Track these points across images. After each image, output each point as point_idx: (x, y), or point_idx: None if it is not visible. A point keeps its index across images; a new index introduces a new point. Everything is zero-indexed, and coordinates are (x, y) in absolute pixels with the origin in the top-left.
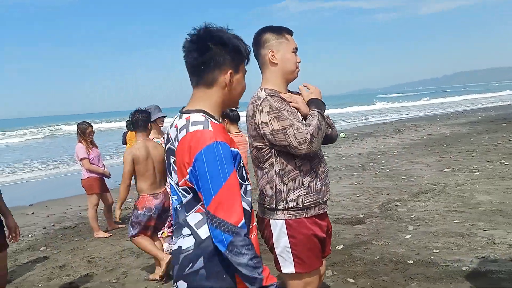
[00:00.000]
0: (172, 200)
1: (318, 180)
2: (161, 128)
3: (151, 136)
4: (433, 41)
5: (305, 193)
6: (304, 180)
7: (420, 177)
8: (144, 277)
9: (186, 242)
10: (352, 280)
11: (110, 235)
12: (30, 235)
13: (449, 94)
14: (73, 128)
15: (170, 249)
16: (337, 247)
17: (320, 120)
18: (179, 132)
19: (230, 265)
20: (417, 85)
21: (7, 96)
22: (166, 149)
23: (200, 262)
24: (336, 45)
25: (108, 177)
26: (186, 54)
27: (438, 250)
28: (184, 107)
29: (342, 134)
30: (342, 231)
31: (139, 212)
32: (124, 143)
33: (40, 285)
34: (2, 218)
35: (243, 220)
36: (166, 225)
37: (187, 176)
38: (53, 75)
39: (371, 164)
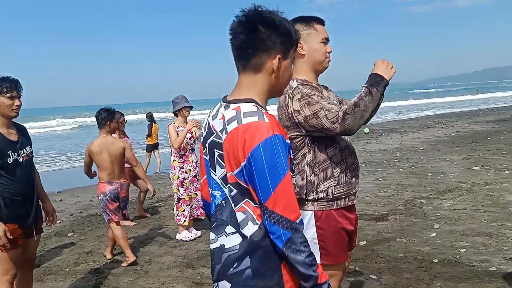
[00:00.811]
0: (215, 196)
1: (348, 171)
2: (187, 117)
3: (177, 124)
4: (465, 35)
5: (335, 184)
6: (334, 171)
7: (447, 175)
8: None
9: (230, 241)
10: (375, 277)
11: (135, 224)
12: (58, 221)
13: (479, 91)
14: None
15: (189, 237)
16: (360, 243)
17: (362, 96)
18: (228, 124)
19: (278, 264)
20: (445, 81)
21: (34, 86)
22: (208, 142)
23: (247, 262)
24: (366, 37)
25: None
26: (233, 37)
27: (464, 250)
28: (226, 95)
29: (366, 130)
30: (365, 227)
31: (99, 198)
32: (150, 134)
33: (67, 269)
34: (40, 203)
35: (301, 216)
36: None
37: (236, 171)
38: (76, 66)
39: (395, 160)
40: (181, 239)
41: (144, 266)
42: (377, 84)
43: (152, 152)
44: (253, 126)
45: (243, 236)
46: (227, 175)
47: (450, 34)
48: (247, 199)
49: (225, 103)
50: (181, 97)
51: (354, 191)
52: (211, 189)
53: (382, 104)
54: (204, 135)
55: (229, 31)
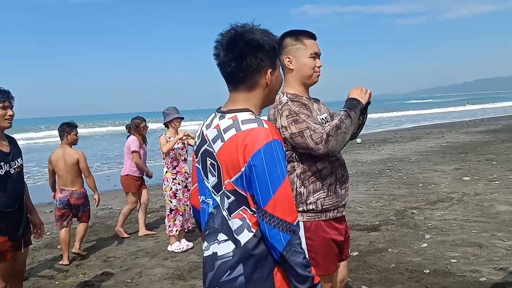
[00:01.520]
0: (208, 203)
1: (338, 183)
2: (178, 128)
3: (168, 135)
4: (454, 47)
5: (324, 195)
6: (324, 183)
7: (438, 185)
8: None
9: (223, 249)
10: None
11: (128, 237)
12: (48, 233)
13: (471, 102)
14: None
15: (181, 249)
16: (352, 254)
17: (343, 119)
18: (224, 133)
19: (270, 271)
20: (435, 92)
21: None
22: (201, 150)
23: (240, 269)
24: (358, 49)
25: (150, 177)
26: (222, 65)
27: (455, 260)
28: (220, 107)
29: (358, 140)
30: (357, 238)
31: (54, 202)
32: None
33: (56, 282)
34: (29, 215)
35: (298, 219)
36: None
37: (234, 178)
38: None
39: (387, 170)
40: (172, 251)
41: (135, 279)
42: (354, 107)
43: None
44: (253, 132)
45: (236, 243)
46: (224, 182)
47: (440, 46)
48: (244, 206)
49: (220, 114)
50: (171, 108)
51: (343, 202)
52: (204, 197)
53: (374, 115)
54: (197, 143)
55: (215, 58)
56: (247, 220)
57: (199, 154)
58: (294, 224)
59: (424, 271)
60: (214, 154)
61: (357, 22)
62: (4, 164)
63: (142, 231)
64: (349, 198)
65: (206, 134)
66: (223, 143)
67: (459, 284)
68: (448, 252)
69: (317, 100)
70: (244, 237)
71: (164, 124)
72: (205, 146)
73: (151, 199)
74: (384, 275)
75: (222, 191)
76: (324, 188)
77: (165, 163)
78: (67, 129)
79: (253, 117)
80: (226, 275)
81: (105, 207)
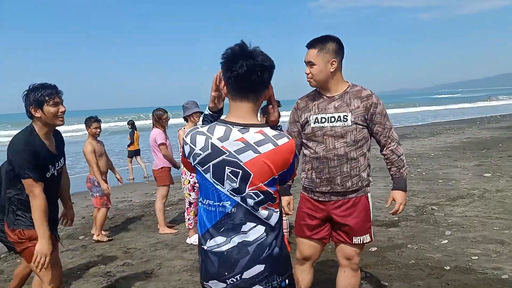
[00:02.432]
0: (224, 206)
1: (314, 172)
2: (197, 122)
3: (187, 129)
4: (474, 41)
5: (305, 177)
6: (305, 167)
7: (458, 181)
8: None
9: (253, 234)
10: (386, 284)
11: (177, 231)
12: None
13: (492, 97)
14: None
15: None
16: (370, 249)
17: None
18: (259, 146)
19: (283, 237)
20: (455, 87)
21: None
22: (214, 161)
23: (274, 243)
24: (374, 43)
25: (178, 168)
26: (247, 71)
27: (476, 257)
28: (224, 119)
29: None
30: (376, 233)
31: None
32: (133, 142)
33: (78, 272)
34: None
35: None
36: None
37: (267, 181)
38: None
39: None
40: (191, 243)
41: (154, 270)
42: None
43: (134, 158)
44: (288, 144)
45: (268, 225)
46: (251, 186)
47: (460, 40)
48: (270, 201)
49: (238, 127)
50: (191, 102)
51: (318, 189)
52: (212, 201)
53: (393, 110)
54: (204, 155)
55: (244, 62)
56: (271, 207)
57: (211, 164)
58: None
59: (445, 267)
60: (241, 163)
61: (374, 16)
62: (51, 167)
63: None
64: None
65: (222, 146)
66: (257, 154)
67: (481, 281)
68: (469, 249)
69: (337, 97)
70: (273, 219)
71: (183, 117)
72: (223, 156)
73: (170, 192)
74: (403, 271)
75: (245, 193)
76: (305, 171)
77: None
78: (87, 122)
79: (277, 132)
80: (266, 252)
81: (125, 200)
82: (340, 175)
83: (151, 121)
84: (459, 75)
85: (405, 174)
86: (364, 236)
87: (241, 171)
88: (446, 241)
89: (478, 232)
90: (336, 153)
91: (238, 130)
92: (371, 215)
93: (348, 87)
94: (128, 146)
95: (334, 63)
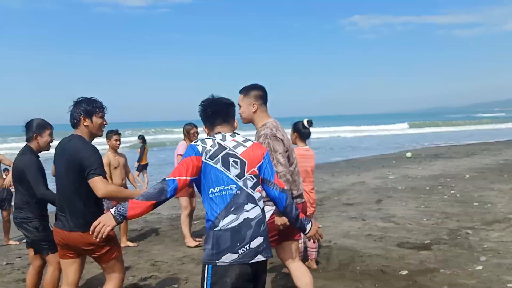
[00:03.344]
0: (231, 189)
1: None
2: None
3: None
4: None
5: None
6: None
7: (495, 205)
8: None
9: (253, 212)
10: None
11: (200, 243)
12: None
13: None
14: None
15: None
16: (401, 273)
17: None
18: (244, 143)
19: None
20: (492, 106)
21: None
22: (220, 154)
23: (265, 222)
24: (409, 60)
25: None
26: (228, 108)
27: None
28: (219, 132)
29: (408, 154)
30: (407, 256)
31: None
32: (142, 157)
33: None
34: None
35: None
36: None
37: (256, 167)
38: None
39: (439, 187)
40: None
41: (181, 284)
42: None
43: (141, 173)
44: (256, 143)
45: (260, 206)
46: (249, 170)
47: (497, 58)
48: (260, 185)
49: (229, 134)
50: None
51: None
52: (222, 186)
53: (425, 130)
54: (212, 151)
55: (221, 103)
56: (261, 194)
57: (219, 157)
58: (286, 188)
59: None
60: (238, 154)
61: (408, 32)
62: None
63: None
64: (398, 214)
65: (224, 144)
66: (245, 148)
67: None
68: (505, 276)
69: (259, 130)
70: (261, 203)
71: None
72: (226, 151)
73: (197, 206)
74: None
75: (244, 177)
76: None
77: None
78: (108, 135)
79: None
80: (262, 227)
81: (154, 212)
82: None
83: (159, 136)
84: (497, 94)
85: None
86: None
87: (239, 160)
88: (480, 267)
89: None
90: None
91: (230, 135)
92: None
93: (266, 123)
94: (138, 161)
95: (255, 105)
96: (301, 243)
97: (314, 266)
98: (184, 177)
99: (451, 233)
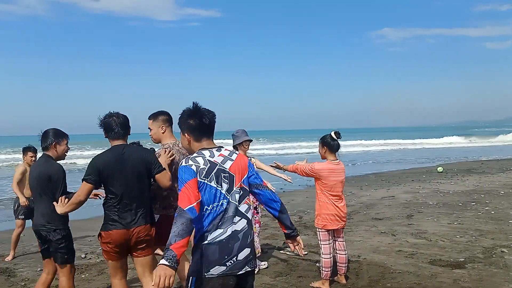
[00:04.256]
0: (222, 204)
1: None
2: (247, 151)
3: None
4: None
5: None
6: None
7: None
8: None
9: (240, 225)
10: None
11: None
12: None
13: None
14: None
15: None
16: None
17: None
18: (230, 156)
19: None
20: None
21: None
22: (213, 171)
23: (252, 234)
24: (440, 72)
25: None
26: (210, 121)
27: None
28: (204, 148)
29: (439, 169)
30: (439, 274)
31: None
32: None
33: None
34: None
35: None
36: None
37: (243, 180)
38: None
39: (473, 203)
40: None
41: None
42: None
43: None
44: (240, 154)
45: (247, 218)
46: (236, 184)
47: None
48: (247, 196)
49: (215, 149)
50: (241, 131)
51: None
52: (215, 203)
53: (456, 143)
54: (206, 169)
55: (206, 117)
56: (249, 202)
57: (212, 174)
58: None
59: None
60: (227, 169)
61: (439, 45)
62: None
63: None
64: (429, 230)
65: (214, 160)
66: (232, 161)
67: None
68: None
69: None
70: (250, 213)
71: (233, 146)
72: (217, 167)
73: None
74: None
75: (233, 190)
76: None
77: None
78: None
79: (232, 149)
80: (249, 238)
81: None
82: None
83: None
84: None
85: None
86: None
87: (229, 175)
88: None
89: None
90: None
91: (216, 150)
92: None
93: (175, 142)
94: None
95: (163, 127)
96: (329, 257)
97: (344, 281)
98: (196, 202)
99: (485, 252)
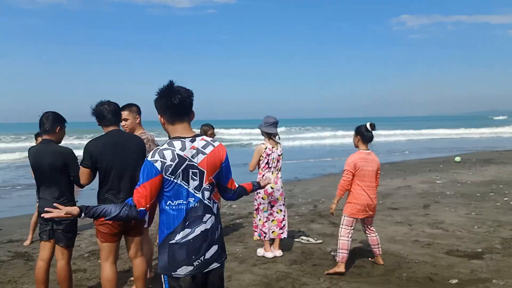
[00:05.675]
0: (189, 202)
1: None
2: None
3: (264, 145)
4: None
5: None
6: None
7: None
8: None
9: (209, 222)
10: None
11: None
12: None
13: None
14: None
15: (271, 255)
16: (450, 281)
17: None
18: (204, 148)
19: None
20: None
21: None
22: (182, 167)
23: (219, 227)
24: (461, 60)
25: None
26: (181, 101)
27: None
28: (177, 136)
29: (457, 158)
30: (457, 265)
31: None
32: None
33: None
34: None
35: None
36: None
37: (213, 175)
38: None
39: (491, 194)
40: (262, 255)
41: (224, 282)
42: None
43: None
44: (221, 146)
45: (214, 214)
46: (206, 181)
47: None
48: (215, 190)
49: (189, 139)
50: (271, 122)
51: None
52: (182, 200)
53: (475, 131)
54: (173, 166)
55: (176, 96)
56: (214, 198)
57: (180, 171)
58: (237, 186)
59: None
60: (196, 164)
61: (459, 32)
62: None
63: None
64: (447, 221)
65: (184, 154)
66: (205, 155)
67: None
68: None
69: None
70: (216, 208)
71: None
72: (186, 162)
73: (240, 205)
74: None
75: (202, 187)
76: None
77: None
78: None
79: (212, 138)
80: (217, 235)
81: None
82: None
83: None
84: None
85: None
86: None
87: (198, 171)
88: None
89: None
90: None
91: (189, 141)
92: None
93: (145, 131)
94: None
95: (138, 118)
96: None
97: (381, 262)
98: (149, 204)
99: (504, 242)
